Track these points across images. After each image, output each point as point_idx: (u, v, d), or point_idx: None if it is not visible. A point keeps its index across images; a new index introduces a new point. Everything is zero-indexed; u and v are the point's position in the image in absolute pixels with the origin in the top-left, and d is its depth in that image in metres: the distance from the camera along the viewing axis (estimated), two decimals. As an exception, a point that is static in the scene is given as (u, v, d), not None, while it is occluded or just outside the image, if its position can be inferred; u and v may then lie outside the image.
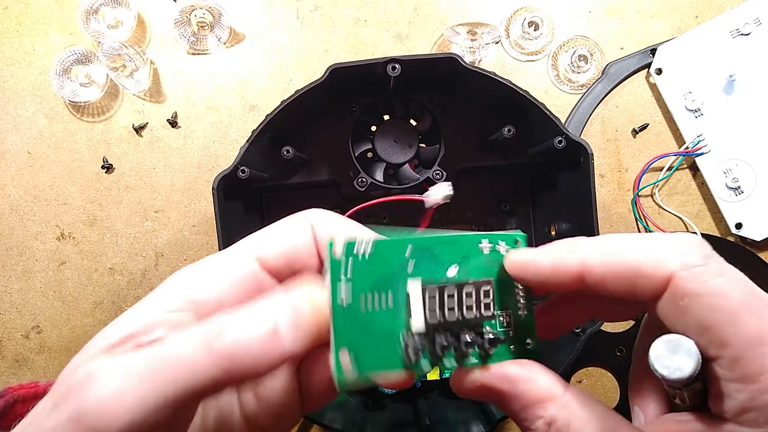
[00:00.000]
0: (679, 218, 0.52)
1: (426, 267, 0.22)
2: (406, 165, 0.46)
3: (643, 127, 0.53)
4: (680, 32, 0.52)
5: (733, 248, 0.52)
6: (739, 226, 0.51)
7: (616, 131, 0.53)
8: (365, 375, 0.20)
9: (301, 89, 0.38)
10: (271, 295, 0.20)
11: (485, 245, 0.23)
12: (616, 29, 0.52)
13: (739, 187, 0.51)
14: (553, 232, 0.46)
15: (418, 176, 0.44)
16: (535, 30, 0.51)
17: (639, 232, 0.53)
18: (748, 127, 0.50)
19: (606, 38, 0.52)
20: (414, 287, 0.21)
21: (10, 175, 0.51)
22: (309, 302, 0.20)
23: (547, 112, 0.40)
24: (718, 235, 0.52)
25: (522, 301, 0.23)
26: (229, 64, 0.52)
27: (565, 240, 0.21)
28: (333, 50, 0.52)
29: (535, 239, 0.50)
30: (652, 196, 0.53)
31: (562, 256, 0.21)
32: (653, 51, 0.51)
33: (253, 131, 0.39)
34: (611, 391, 0.53)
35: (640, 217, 0.52)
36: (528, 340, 0.23)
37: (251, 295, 0.20)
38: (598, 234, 0.40)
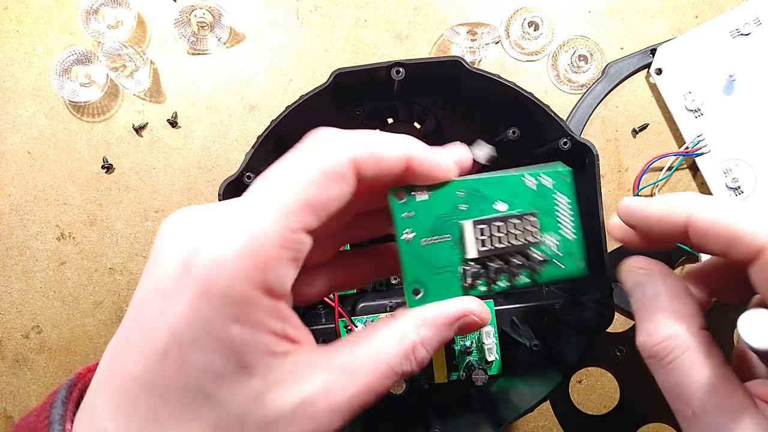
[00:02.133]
0: (679, 218, 0.52)
1: (477, 205, 0.25)
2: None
3: (643, 127, 0.53)
4: (680, 32, 0.52)
5: (733, 248, 0.52)
6: (738, 226, 0.51)
7: (616, 131, 0.53)
8: (431, 301, 0.23)
9: (306, 94, 0.38)
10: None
11: (529, 180, 0.27)
12: (616, 29, 0.53)
13: (739, 187, 0.51)
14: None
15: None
16: (535, 30, 0.51)
17: (639, 232, 0.53)
18: (748, 127, 0.50)
19: (606, 38, 0.52)
20: (467, 222, 0.24)
21: (10, 175, 0.51)
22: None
23: (552, 114, 0.40)
24: (718, 235, 0.52)
25: (569, 227, 0.27)
26: (229, 64, 0.52)
27: (673, 194, 0.23)
28: (333, 50, 0.52)
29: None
30: (652, 196, 0.53)
31: (671, 207, 0.23)
32: (653, 51, 0.51)
33: (258, 137, 0.39)
34: (611, 391, 0.53)
35: (640, 217, 0.52)
36: (576, 258, 0.27)
37: (341, 197, 0.21)
38: (605, 235, 0.40)
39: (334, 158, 0.21)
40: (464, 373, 0.44)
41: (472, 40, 0.50)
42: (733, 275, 0.25)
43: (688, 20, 0.52)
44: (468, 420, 0.42)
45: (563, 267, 0.27)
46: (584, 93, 0.52)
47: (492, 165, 0.48)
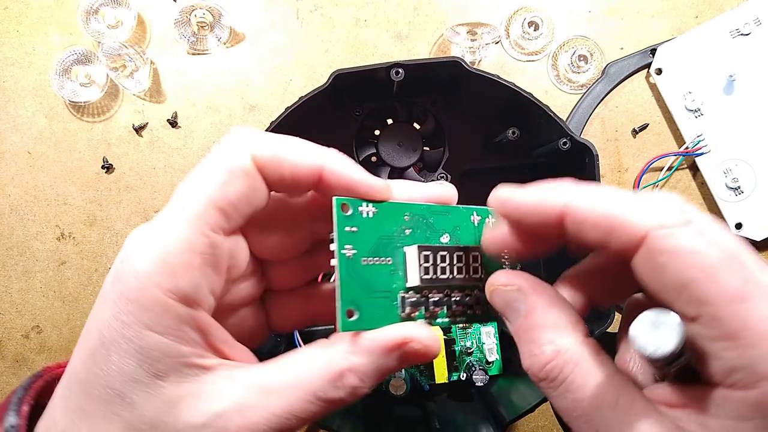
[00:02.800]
0: (679, 218, 0.52)
1: (422, 233, 0.24)
2: (411, 169, 0.46)
3: (643, 127, 0.53)
4: (680, 32, 0.52)
5: (733, 248, 0.52)
6: (739, 226, 0.51)
7: (616, 131, 0.53)
8: (365, 327, 0.22)
9: (306, 95, 0.38)
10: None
11: (475, 218, 0.25)
12: (616, 29, 0.53)
13: (739, 187, 0.51)
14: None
15: (423, 180, 0.44)
16: (535, 30, 0.51)
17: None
18: (748, 127, 0.50)
19: (606, 38, 0.52)
20: (411, 247, 0.23)
21: (10, 175, 0.51)
22: None
23: (552, 114, 0.40)
24: (718, 235, 0.52)
25: (508, 265, 0.26)
26: (229, 64, 0.52)
27: (550, 181, 0.21)
28: (333, 50, 0.52)
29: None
30: (652, 196, 0.53)
31: (546, 195, 0.21)
32: (653, 51, 0.51)
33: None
34: (611, 390, 0.53)
35: (640, 217, 0.52)
36: None
37: (247, 191, 0.21)
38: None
39: (235, 155, 0.21)
40: (465, 374, 0.44)
41: (472, 40, 0.50)
42: (608, 276, 0.23)
43: (688, 20, 0.52)
44: (469, 420, 0.42)
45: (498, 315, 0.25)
46: (584, 93, 0.52)
47: (494, 165, 0.48)
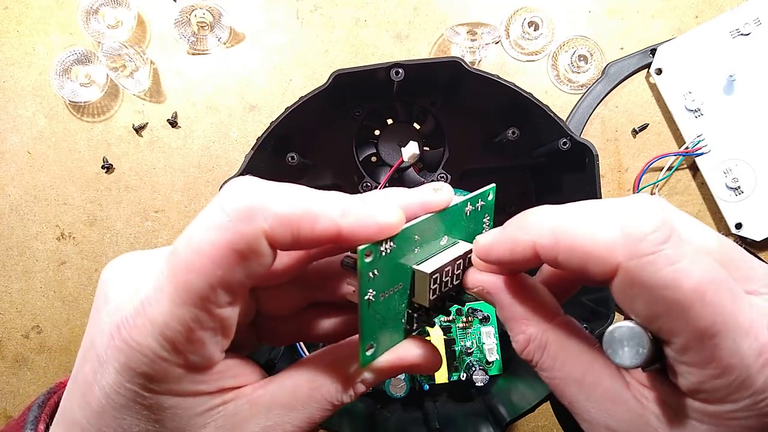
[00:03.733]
0: (679, 218, 0.52)
1: (426, 245, 0.23)
2: (411, 168, 0.46)
3: (643, 127, 0.53)
4: (680, 32, 0.52)
5: (733, 248, 0.52)
6: (739, 226, 0.51)
7: (616, 131, 0.53)
8: (381, 353, 0.23)
9: (305, 95, 0.38)
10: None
11: (469, 209, 0.25)
12: (616, 29, 0.53)
13: (739, 187, 0.51)
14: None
15: (423, 179, 0.44)
16: (535, 30, 0.51)
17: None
18: (748, 127, 0.50)
19: (606, 38, 0.52)
20: (420, 271, 0.23)
21: (10, 175, 0.51)
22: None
23: (552, 114, 0.40)
24: (718, 235, 0.52)
25: None
26: (229, 64, 0.52)
27: (516, 217, 0.21)
28: (333, 50, 0.52)
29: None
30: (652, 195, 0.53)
31: (515, 236, 0.21)
32: (653, 51, 0.51)
33: (258, 138, 0.39)
34: (611, 390, 0.53)
35: (640, 217, 0.52)
36: None
37: (258, 272, 0.20)
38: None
39: (247, 232, 0.18)
40: (465, 374, 0.44)
41: (472, 40, 0.50)
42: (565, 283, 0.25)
43: (688, 20, 0.52)
44: (469, 420, 0.42)
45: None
46: (584, 93, 0.52)
47: (494, 165, 0.48)
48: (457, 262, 0.24)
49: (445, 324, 0.45)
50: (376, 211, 0.20)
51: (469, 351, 0.45)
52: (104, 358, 0.20)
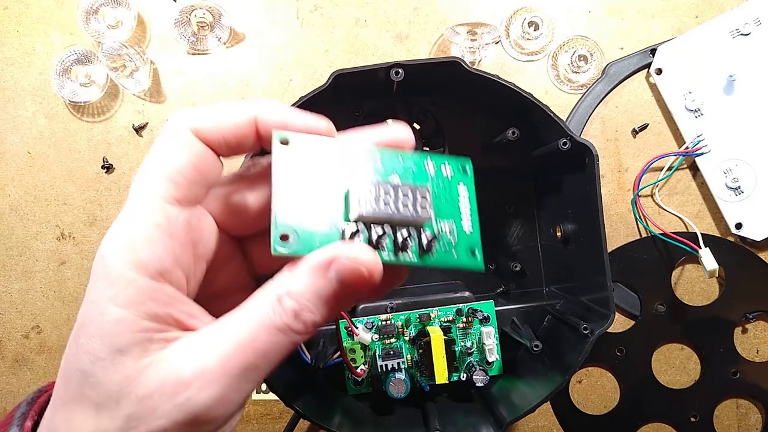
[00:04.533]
0: (679, 218, 0.52)
1: (369, 169, 0.24)
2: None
3: (643, 127, 0.53)
4: (680, 32, 0.52)
5: (734, 248, 0.52)
6: (739, 226, 0.51)
7: (616, 131, 0.53)
8: (300, 251, 0.22)
9: (305, 96, 0.38)
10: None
11: (429, 164, 0.25)
12: (616, 29, 0.53)
13: (739, 187, 0.51)
14: (559, 234, 0.46)
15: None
16: (535, 30, 0.51)
17: (639, 232, 0.53)
18: (748, 127, 0.50)
19: (606, 38, 0.52)
20: (355, 181, 0.23)
21: (10, 175, 0.51)
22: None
23: (552, 114, 0.40)
24: (718, 235, 0.52)
25: (465, 217, 0.26)
26: (229, 64, 0.52)
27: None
28: (333, 50, 0.52)
29: (540, 240, 0.50)
30: (652, 196, 0.53)
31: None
32: (653, 51, 0.51)
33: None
34: (611, 391, 0.53)
35: (640, 217, 0.52)
36: (474, 251, 0.26)
37: (191, 159, 0.22)
38: (605, 236, 0.40)
39: (173, 131, 0.22)
40: (465, 374, 0.44)
41: (472, 40, 0.50)
42: None
43: (688, 20, 0.52)
44: (469, 420, 0.42)
45: (455, 257, 0.25)
46: (584, 93, 0.52)
47: (494, 165, 0.48)
48: (404, 189, 0.23)
49: (445, 324, 0.45)
50: (297, 112, 0.23)
51: (469, 351, 0.45)
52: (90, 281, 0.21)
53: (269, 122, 0.22)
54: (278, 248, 0.21)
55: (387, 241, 0.23)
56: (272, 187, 0.22)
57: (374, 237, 0.23)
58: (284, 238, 0.21)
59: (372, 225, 0.23)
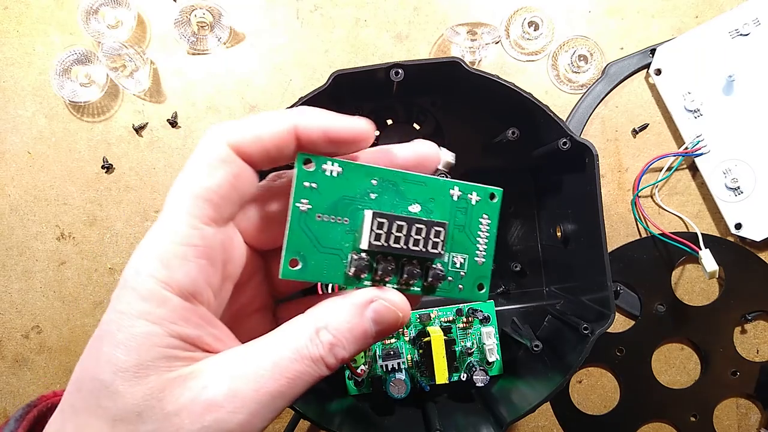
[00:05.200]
0: (679, 218, 0.52)
1: (389, 199, 0.24)
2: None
3: (643, 127, 0.53)
4: (680, 32, 0.52)
5: (733, 248, 0.52)
6: (738, 226, 0.51)
7: (616, 131, 0.53)
8: (307, 278, 0.23)
9: (305, 96, 0.38)
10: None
11: (456, 192, 0.25)
12: (616, 29, 0.53)
13: (738, 188, 0.51)
14: (559, 234, 0.46)
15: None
16: (535, 30, 0.51)
17: (639, 232, 0.53)
18: (747, 128, 0.50)
19: (606, 38, 0.52)
20: (369, 212, 0.23)
21: (10, 175, 0.51)
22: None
23: (552, 114, 0.40)
24: (718, 235, 0.52)
25: (481, 249, 0.26)
26: (229, 64, 0.52)
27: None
28: (333, 50, 0.52)
29: (540, 240, 0.50)
30: (651, 197, 0.53)
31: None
32: (653, 51, 0.52)
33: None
34: (611, 391, 0.53)
35: (639, 217, 0.52)
36: (480, 286, 0.26)
37: (229, 179, 0.21)
38: (605, 236, 0.40)
39: (211, 148, 0.21)
40: (465, 374, 0.44)
41: (472, 40, 0.50)
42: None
43: (688, 20, 0.52)
44: (469, 420, 0.42)
45: (460, 290, 0.25)
46: (584, 93, 0.52)
47: (494, 165, 0.48)
48: (417, 226, 0.23)
49: (445, 324, 0.45)
50: (336, 115, 0.22)
51: (469, 351, 0.45)
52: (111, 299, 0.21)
53: (310, 128, 0.22)
54: (286, 272, 0.22)
55: (391, 276, 0.24)
56: (289, 211, 0.22)
57: (379, 272, 0.23)
58: (293, 263, 0.22)
59: (380, 257, 0.23)
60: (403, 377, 0.43)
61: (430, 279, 0.24)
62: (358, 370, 0.43)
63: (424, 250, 0.24)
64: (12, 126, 0.51)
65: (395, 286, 0.24)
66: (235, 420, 0.19)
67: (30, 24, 0.51)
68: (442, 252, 0.24)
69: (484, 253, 0.26)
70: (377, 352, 0.44)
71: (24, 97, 0.51)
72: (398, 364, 0.43)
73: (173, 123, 0.52)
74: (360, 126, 0.23)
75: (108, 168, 0.52)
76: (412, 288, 0.24)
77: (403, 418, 0.44)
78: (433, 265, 0.24)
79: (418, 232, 0.23)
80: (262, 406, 0.20)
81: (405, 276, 0.24)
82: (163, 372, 0.20)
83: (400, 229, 0.23)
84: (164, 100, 0.52)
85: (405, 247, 0.23)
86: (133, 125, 0.51)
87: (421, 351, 0.44)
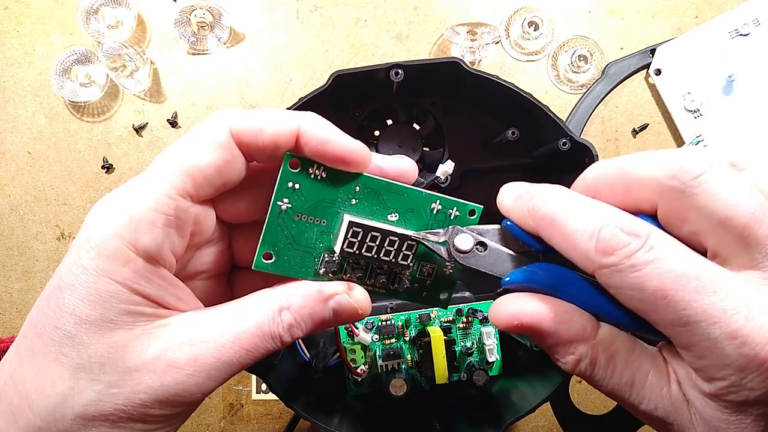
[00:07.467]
0: (679, 218, 0.52)
1: (369, 206, 0.24)
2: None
3: (643, 127, 0.53)
4: (680, 32, 0.52)
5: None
6: (738, 226, 0.51)
7: (616, 131, 0.53)
8: (279, 271, 0.24)
9: (305, 96, 0.38)
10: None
11: (437, 206, 0.25)
12: (616, 29, 0.53)
13: (738, 188, 0.51)
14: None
15: (423, 180, 0.44)
16: (535, 30, 0.51)
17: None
18: (747, 127, 0.50)
19: (606, 38, 0.52)
20: (346, 218, 0.24)
21: (10, 175, 0.51)
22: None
23: (551, 114, 0.40)
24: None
25: (450, 263, 0.26)
26: (229, 64, 0.52)
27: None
28: (333, 50, 0.52)
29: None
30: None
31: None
32: (653, 51, 0.52)
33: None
34: (611, 390, 0.53)
35: (639, 217, 0.52)
36: (443, 294, 0.27)
37: (219, 163, 0.22)
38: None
39: (213, 129, 0.22)
40: (465, 374, 0.44)
41: (472, 40, 0.50)
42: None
43: (688, 20, 0.52)
44: (469, 420, 0.42)
45: (424, 296, 0.27)
46: (584, 93, 0.52)
47: (494, 165, 0.48)
48: (391, 238, 0.24)
49: (445, 324, 0.45)
50: (337, 131, 0.23)
51: (469, 351, 0.45)
52: (73, 245, 0.21)
53: (311, 135, 0.23)
54: (259, 264, 0.23)
55: (359, 275, 0.25)
56: (269, 207, 0.23)
57: (347, 274, 0.25)
58: (267, 257, 0.23)
59: (351, 260, 0.24)
60: (403, 377, 0.43)
61: (395, 285, 0.26)
62: (358, 370, 0.43)
63: (394, 261, 0.25)
64: (12, 126, 0.51)
65: (360, 285, 0.25)
66: (192, 382, 0.21)
67: (30, 24, 0.51)
68: (411, 264, 0.25)
69: (453, 266, 0.27)
70: (377, 353, 0.44)
71: (24, 97, 0.51)
72: (398, 364, 0.43)
73: (173, 123, 0.51)
74: (357, 149, 0.23)
75: (108, 168, 0.52)
76: (377, 290, 0.25)
77: (403, 418, 0.44)
78: (401, 273, 0.26)
79: (391, 244, 0.24)
80: (218, 371, 0.21)
81: (372, 280, 0.25)
82: (128, 328, 0.21)
83: (374, 239, 0.24)
84: (164, 100, 0.52)
85: (376, 256, 0.24)
86: (133, 125, 0.51)
87: (421, 351, 0.44)
